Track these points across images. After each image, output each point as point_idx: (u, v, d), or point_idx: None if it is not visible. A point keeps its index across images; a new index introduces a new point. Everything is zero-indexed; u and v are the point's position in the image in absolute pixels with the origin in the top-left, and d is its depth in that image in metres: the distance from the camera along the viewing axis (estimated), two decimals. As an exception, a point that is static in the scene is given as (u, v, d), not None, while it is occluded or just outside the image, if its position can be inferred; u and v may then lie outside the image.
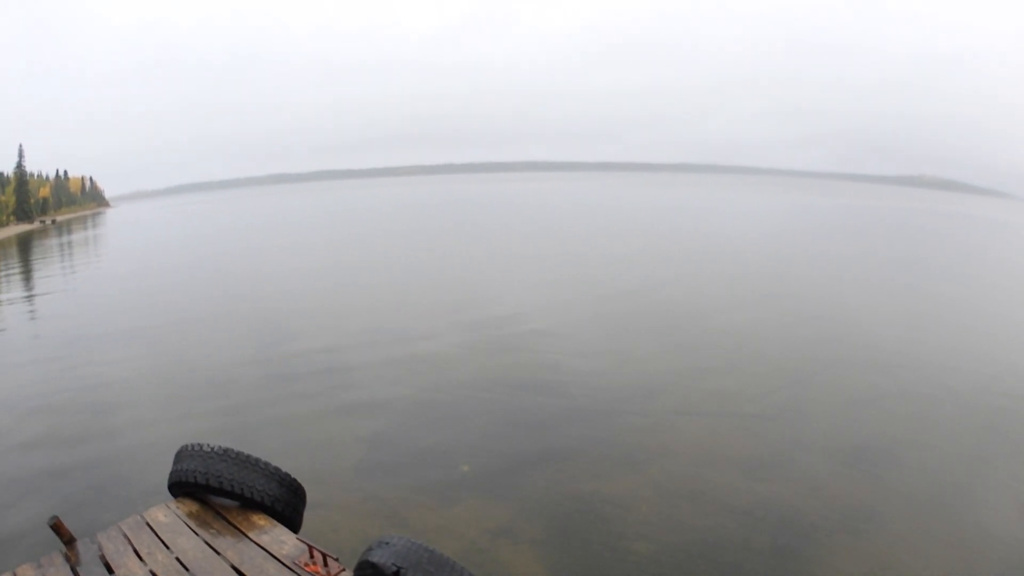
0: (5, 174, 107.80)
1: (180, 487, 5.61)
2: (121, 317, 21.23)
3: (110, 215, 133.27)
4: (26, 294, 28.44)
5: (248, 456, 5.51)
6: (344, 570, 4.60)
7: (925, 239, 47.84)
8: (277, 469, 5.57)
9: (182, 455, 5.64)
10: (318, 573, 4.56)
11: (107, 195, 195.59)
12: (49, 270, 38.40)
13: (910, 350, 15.68)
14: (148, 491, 8.41)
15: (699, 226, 51.70)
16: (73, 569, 4.77)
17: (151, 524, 5.31)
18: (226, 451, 5.47)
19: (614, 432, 10.45)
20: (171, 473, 5.68)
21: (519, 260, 31.33)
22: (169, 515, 5.44)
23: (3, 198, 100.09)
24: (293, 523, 5.58)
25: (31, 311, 23.76)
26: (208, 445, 5.54)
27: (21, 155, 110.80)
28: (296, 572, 4.59)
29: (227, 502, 5.55)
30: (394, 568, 4.07)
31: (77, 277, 34.11)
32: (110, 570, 4.77)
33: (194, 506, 5.56)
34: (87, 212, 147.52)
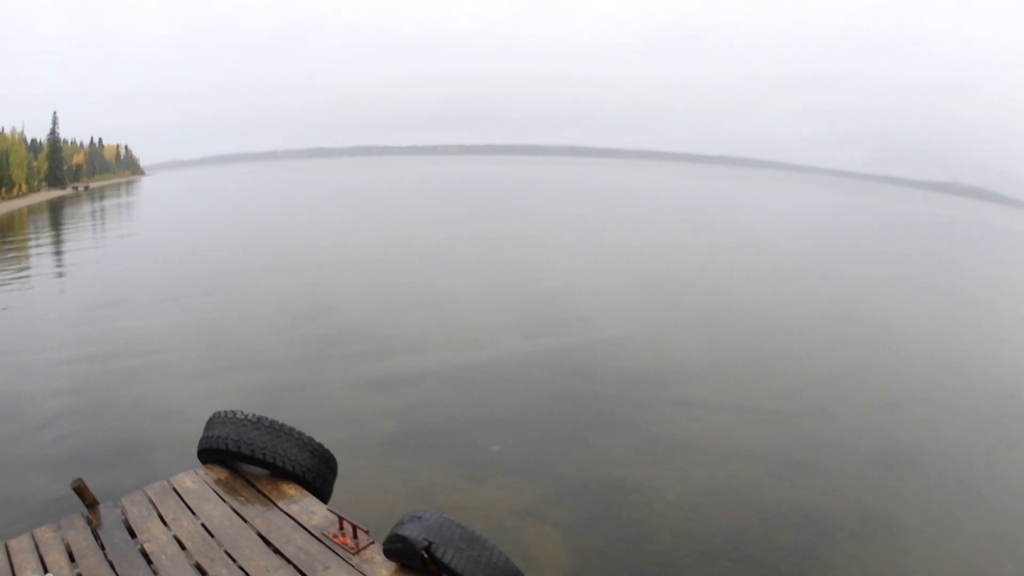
0: (39, 140, 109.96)
1: (210, 454, 5.72)
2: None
3: (144, 183, 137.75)
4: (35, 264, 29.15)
5: (282, 425, 5.59)
6: (373, 543, 4.67)
7: (960, 246, 47.85)
8: (311, 439, 5.65)
9: (214, 421, 5.73)
10: (346, 545, 4.63)
11: (142, 163, 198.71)
12: (72, 236, 39.25)
13: (943, 356, 15.90)
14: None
15: (739, 220, 51.91)
16: (94, 532, 4.91)
17: (178, 489, 5.44)
18: (260, 419, 5.56)
19: (644, 420, 10.81)
20: (202, 439, 5.77)
21: (559, 246, 31.89)
22: (197, 481, 5.56)
23: (36, 164, 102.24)
24: (323, 494, 5.66)
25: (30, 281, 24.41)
26: (242, 412, 5.62)
27: (55, 122, 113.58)
28: (324, 543, 4.67)
29: (257, 470, 5.66)
30: (425, 542, 4.15)
31: (99, 243, 35.25)
32: (132, 534, 4.89)
33: (223, 473, 5.68)
34: (121, 180, 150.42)
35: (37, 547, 4.69)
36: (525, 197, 67.46)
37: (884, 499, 8.57)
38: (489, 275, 23.54)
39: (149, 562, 4.53)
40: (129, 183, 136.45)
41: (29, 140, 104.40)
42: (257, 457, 5.43)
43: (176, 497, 5.32)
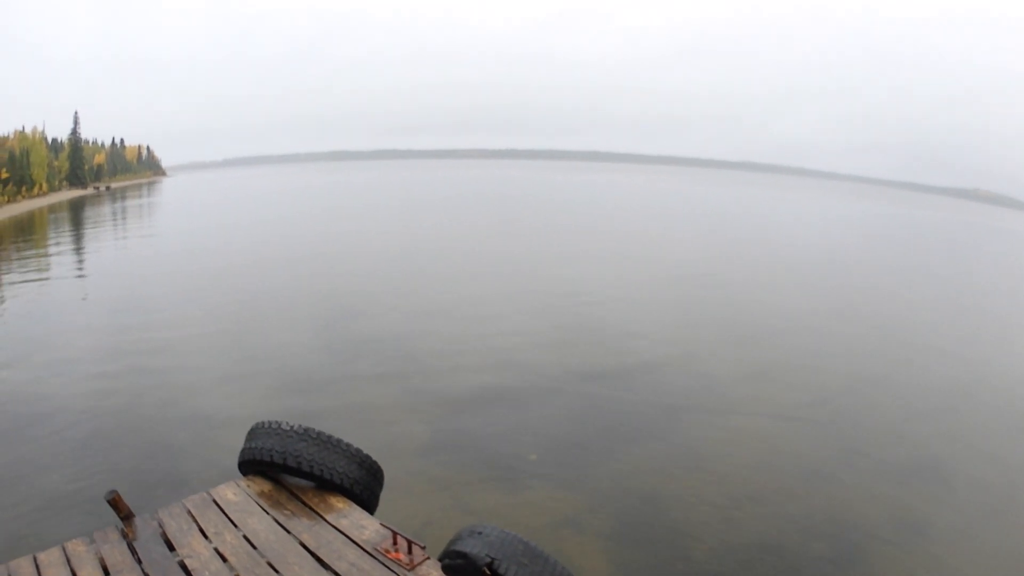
0: (59, 140, 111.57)
1: (252, 465, 5.67)
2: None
3: (166, 183, 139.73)
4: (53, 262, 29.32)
5: (329, 436, 5.54)
6: (428, 558, 4.58)
7: (989, 257, 47.41)
8: (359, 450, 5.60)
9: (257, 432, 5.69)
10: (400, 560, 4.53)
11: (164, 164, 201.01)
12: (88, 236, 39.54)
13: (977, 367, 16.10)
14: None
15: (770, 228, 52.17)
16: (130, 545, 4.79)
17: (219, 502, 5.35)
18: (307, 430, 5.51)
19: (681, 429, 11.06)
20: (243, 451, 5.73)
21: (589, 254, 32.08)
22: (239, 493, 5.48)
23: (57, 163, 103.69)
24: (369, 506, 5.61)
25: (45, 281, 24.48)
26: (287, 423, 5.58)
27: (76, 122, 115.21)
28: (377, 558, 4.57)
29: (302, 482, 5.59)
30: (487, 559, 4.08)
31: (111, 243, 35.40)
32: (171, 548, 4.78)
33: (266, 485, 5.60)
34: (143, 180, 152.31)
35: (69, 561, 4.57)
36: (547, 204, 67.70)
37: (915, 508, 8.79)
38: (522, 284, 23.73)
39: None
40: (151, 184, 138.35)
41: (50, 140, 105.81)
42: (304, 469, 5.37)
43: (217, 510, 5.23)
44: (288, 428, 5.50)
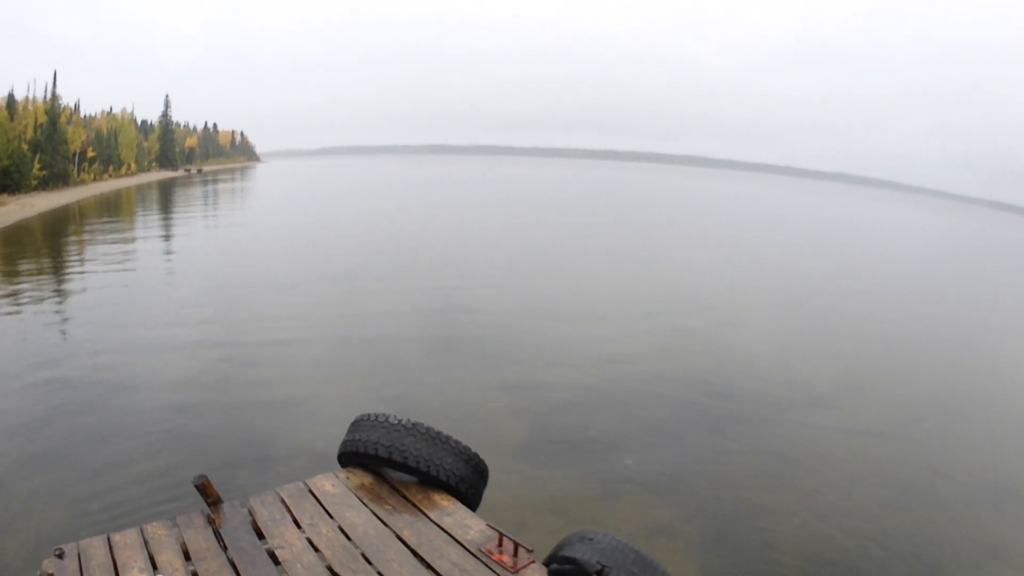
0: (149, 122, 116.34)
1: (354, 457, 5.71)
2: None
3: (260, 169, 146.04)
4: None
5: (438, 432, 5.55)
6: (533, 562, 4.52)
7: None
8: (467, 448, 5.61)
9: (361, 425, 5.73)
10: (504, 563, 4.48)
11: (258, 151, 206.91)
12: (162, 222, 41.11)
13: None
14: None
15: (873, 242, 52.50)
16: (216, 532, 4.79)
17: (315, 492, 5.37)
18: (415, 425, 5.53)
19: (774, 441, 11.28)
20: (345, 442, 5.78)
21: (697, 259, 32.83)
22: (338, 485, 5.50)
23: (147, 144, 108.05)
24: (472, 504, 5.61)
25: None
26: (394, 417, 5.62)
27: (167, 105, 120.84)
28: (481, 559, 4.52)
29: (405, 477, 5.59)
30: (599, 566, 4.09)
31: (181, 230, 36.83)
32: (261, 537, 4.78)
33: (367, 478, 5.62)
34: (236, 165, 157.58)
35: (147, 544, 4.56)
36: (655, 207, 69.18)
37: (995, 532, 8.88)
38: (628, 286, 24.19)
39: (279, 568, 4.41)
40: (244, 168, 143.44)
41: (140, 122, 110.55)
42: (410, 465, 5.38)
43: (313, 500, 5.24)
44: (396, 422, 5.54)
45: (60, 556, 4.33)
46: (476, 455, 5.63)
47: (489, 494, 6.34)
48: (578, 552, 4.19)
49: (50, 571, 4.22)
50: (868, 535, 8.43)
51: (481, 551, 4.57)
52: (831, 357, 16.86)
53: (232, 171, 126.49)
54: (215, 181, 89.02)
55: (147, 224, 39.30)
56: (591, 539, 4.29)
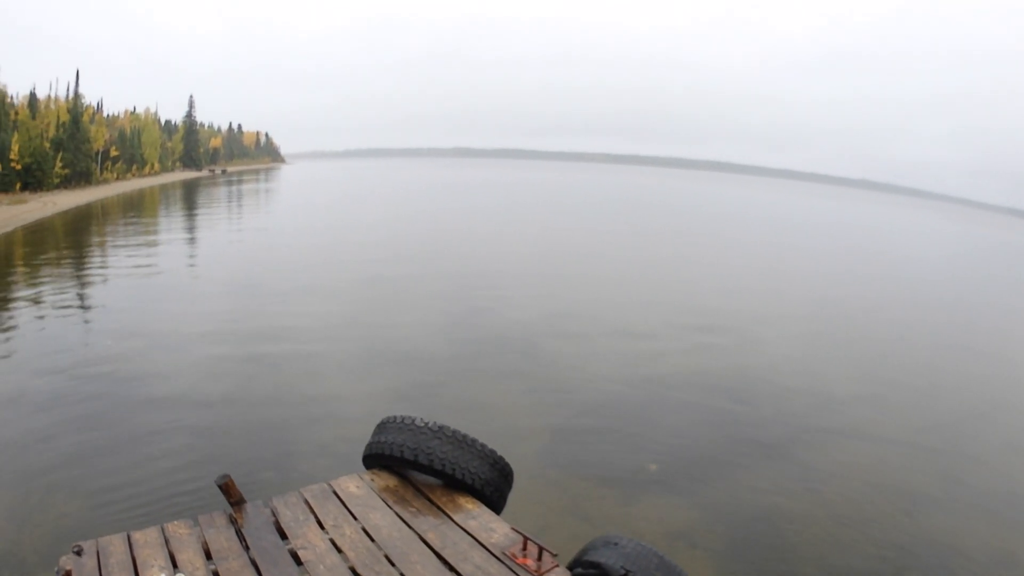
0: (174, 122, 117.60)
1: (379, 459, 5.73)
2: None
3: (284, 170, 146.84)
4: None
5: (464, 435, 5.57)
6: (557, 566, 4.51)
7: None
8: (492, 451, 5.63)
9: (387, 427, 5.75)
10: (528, 566, 4.47)
11: (283, 152, 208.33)
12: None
13: None
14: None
15: (898, 251, 52.74)
16: (239, 532, 4.79)
17: (339, 494, 5.38)
18: (441, 428, 5.55)
19: (797, 448, 11.40)
20: (370, 444, 5.82)
21: (721, 267, 32.61)
22: (362, 487, 5.52)
23: (170, 144, 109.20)
24: (496, 507, 5.62)
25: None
26: (420, 419, 5.64)
27: (192, 105, 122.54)
28: (505, 563, 4.52)
29: (430, 479, 5.61)
30: (623, 571, 4.15)
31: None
32: (283, 537, 4.80)
33: (391, 480, 5.64)
34: (260, 166, 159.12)
35: (167, 542, 4.57)
36: (677, 214, 69.50)
37: (1013, 541, 8.95)
38: (652, 292, 24.40)
39: (302, 569, 4.43)
40: (268, 169, 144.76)
41: (164, 122, 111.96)
42: (436, 467, 5.40)
43: (337, 502, 5.26)
44: (422, 424, 5.56)
45: (79, 553, 4.34)
46: (501, 458, 5.64)
47: (510, 496, 6.36)
48: (602, 557, 4.24)
49: (68, 567, 4.23)
50: (888, 544, 8.53)
51: (505, 555, 4.58)
52: (854, 365, 16.89)
53: (256, 172, 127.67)
54: (239, 182, 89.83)
55: (171, 227, 39.45)
56: (616, 544, 4.34)
